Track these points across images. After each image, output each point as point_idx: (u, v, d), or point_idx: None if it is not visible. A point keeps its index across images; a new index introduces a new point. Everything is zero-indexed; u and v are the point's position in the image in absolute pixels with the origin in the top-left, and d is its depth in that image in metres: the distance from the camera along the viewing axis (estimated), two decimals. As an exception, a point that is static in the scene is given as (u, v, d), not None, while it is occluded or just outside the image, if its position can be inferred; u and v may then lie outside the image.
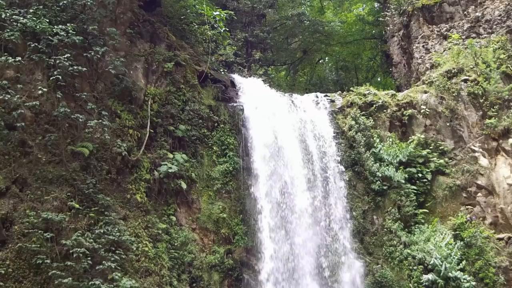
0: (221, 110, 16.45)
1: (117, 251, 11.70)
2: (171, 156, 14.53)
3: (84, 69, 12.73)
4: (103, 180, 12.74)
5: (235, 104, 16.74)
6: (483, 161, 16.79)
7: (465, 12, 20.70)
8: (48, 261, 10.58)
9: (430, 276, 14.68)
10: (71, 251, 10.82)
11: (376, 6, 32.87)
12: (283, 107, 17.29)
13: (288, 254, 14.31)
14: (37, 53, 12.27)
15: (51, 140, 11.94)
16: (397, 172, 16.55)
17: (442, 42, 20.74)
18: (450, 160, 17.16)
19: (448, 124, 17.63)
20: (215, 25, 18.94)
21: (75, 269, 10.73)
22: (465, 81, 17.85)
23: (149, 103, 14.78)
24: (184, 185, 14.32)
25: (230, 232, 14.56)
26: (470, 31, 20.02)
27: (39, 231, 10.72)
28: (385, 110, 18.12)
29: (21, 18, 12.24)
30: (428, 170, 16.92)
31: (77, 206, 11.65)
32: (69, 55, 12.38)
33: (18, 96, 11.53)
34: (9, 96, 11.38)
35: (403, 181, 16.51)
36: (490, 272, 14.94)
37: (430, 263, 14.88)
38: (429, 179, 16.82)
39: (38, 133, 12.04)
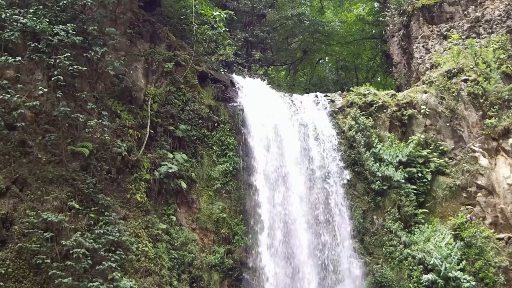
0: (221, 110, 16.44)
1: (117, 251, 11.69)
2: (171, 156, 14.52)
3: (84, 69, 12.74)
4: (103, 180, 12.74)
5: (235, 104, 16.73)
6: (483, 161, 16.78)
7: (465, 12, 20.69)
8: (48, 261, 10.58)
9: (430, 276, 14.67)
10: (71, 251, 10.81)
11: (376, 6, 32.88)
12: (283, 107, 17.28)
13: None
14: (37, 53, 12.28)
15: (51, 140, 11.94)
16: (397, 172, 16.54)
17: (442, 42, 20.72)
18: (450, 160, 17.15)
19: (448, 124, 17.62)
20: (215, 25, 18.92)
21: (75, 269, 10.73)
22: (465, 81, 17.85)
23: (149, 103, 14.79)
24: (184, 185, 14.32)
25: (230, 232, 14.55)
26: (470, 31, 20.01)
27: (39, 231, 10.71)
28: (385, 110, 18.11)
29: (21, 18, 12.24)
30: (428, 170, 16.91)
31: (77, 206, 11.66)
32: (69, 55, 12.38)
33: (18, 96, 11.54)
34: (9, 96, 11.38)
35: (403, 181, 16.51)
36: (490, 272, 14.93)
37: (430, 263, 14.87)
38: (429, 179, 16.82)
39: (38, 133, 12.04)
